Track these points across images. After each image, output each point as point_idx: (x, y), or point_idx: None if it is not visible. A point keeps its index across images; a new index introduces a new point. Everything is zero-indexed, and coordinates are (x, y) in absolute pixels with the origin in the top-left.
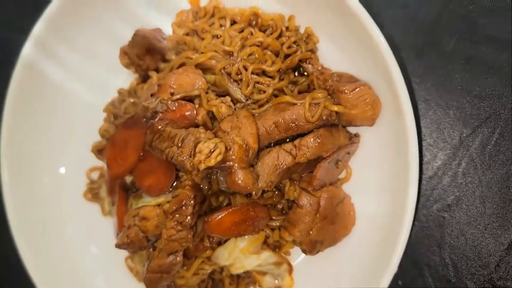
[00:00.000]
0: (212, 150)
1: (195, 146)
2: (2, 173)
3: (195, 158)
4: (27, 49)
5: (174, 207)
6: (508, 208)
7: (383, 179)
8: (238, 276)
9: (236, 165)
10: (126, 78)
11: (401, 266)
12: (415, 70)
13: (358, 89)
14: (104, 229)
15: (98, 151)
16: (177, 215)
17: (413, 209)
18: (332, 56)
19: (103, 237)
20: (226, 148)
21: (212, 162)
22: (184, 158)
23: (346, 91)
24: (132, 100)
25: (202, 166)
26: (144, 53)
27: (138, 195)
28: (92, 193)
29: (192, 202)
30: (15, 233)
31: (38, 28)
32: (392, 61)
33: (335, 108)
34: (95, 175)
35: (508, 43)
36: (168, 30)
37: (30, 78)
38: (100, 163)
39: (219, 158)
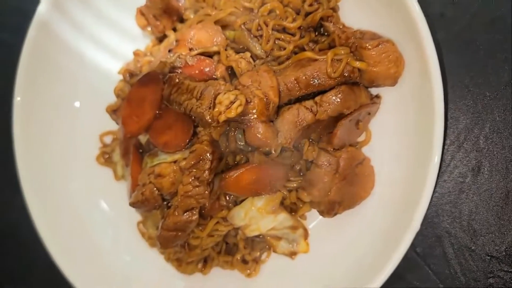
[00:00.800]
0: (232, 102)
1: (215, 98)
2: (15, 128)
3: (215, 109)
4: (42, 8)
5: (192, 162)
6: None
7: (403, 143)
8: (253, 240)
9: (256, 118)
10: (142, 43)
11: (419, 233)
12: (439, 33)
13: (381, 45)
14: (117, 193)
15: (113, 111)
16: (194, 170)
17: (436, 172)
18: (354, 15)
19: (115, 200)
20: (246, 100)
21: (232, 113)
22: (204, 109)
23: (369, 47)
24: (148, 58)
25: (222, 118)
26: (161, 13)
27: (153, 153)
28: (105, 157)
29: (210, 156)
30: (25, 186)
31: None
32: (420, 15)
33: (358, 64)
34: (108, 139)
35: None
36: None
37: (44, 39)
38: (114, 127)
39: (240, 109)
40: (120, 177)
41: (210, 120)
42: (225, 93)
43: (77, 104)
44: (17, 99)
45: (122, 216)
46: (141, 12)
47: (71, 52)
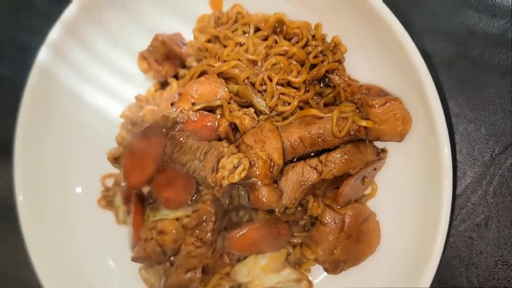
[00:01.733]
0: (236, 166)
1: (218, 161)
2: (16, 175)
3: (218, 174)
4: (43, 54)
5: (194, 223)
6: None
7: (411, 197)
8: None
9: (260, 181)
10: (143, 86)
11: None
12: (446, 82)
13: (388, 103)
14: (119, 239)
15: (114, 159)
16: (197, 231)
17: (445, 232)
18: (360, 67)
19: (118, 247)
20: (250, 163)
21: (236, 178)
22: (207, 173)
23: (376, 106)
24: (150, 107)
25: (225, 182)
26: (163, 59)
27: (156, 207)
28: (106, 201)
29: (213, 218)
30: (28, 242)
31: (55, 32)
32: (425, 73)
33: (364, 123)
34: (109, 182)
35: None
36: (188, 36)
37: (45, 84)
38: (115, 170)
39: (243, 174)
40: (122, 221)
41: (213, 185)
42: (228, 157)
43: (78, 147)
44: (18, 148)
45: (125, 262)
46: (143, 57)
47: (72, 96)
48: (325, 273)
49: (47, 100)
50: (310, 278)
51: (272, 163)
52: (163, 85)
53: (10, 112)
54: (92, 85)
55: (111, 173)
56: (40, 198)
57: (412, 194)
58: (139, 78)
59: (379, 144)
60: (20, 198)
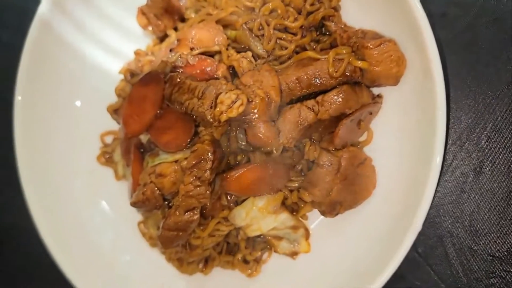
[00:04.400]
0: (234, 101)
1: (217, 97)
2: (16, 128)
3: (216, 109)
4: (43, 8)
5: (193, 162)
6: None
7: (405, 142)
8: (254, 240)
9: (257, 117)
10: (143, 42)
11: (421, 233)
12: (439, 32)
13: (383, 44)
14: (117, 193)
15: (114, 111)
16: (195, 170)
17: (438, 172)
18: (356, 15)
19: (116, 201)
20: (248, 100)
21: (234, 113)
22: (205, 109)
23: (371, 47)
24: (149, 58)
25: (223, 117)
26: (162, 13)
27: (155, 153)
28: (106, 157)
29: (211, 156)
30: (25, 184)
31: None
32: (422, 16)
33: (359, 63)
34: (109, 139)
35: None
36: None
37: (45, 39)
38: (115, 127)
39: (241, 109)
40: (121, 177)
41: (211, 120)
42: (226, 93)
43: (78, 103)
44: (18, 98)
45: (123, 216)
46: (142, 12)
47: (72, 51)
48: (321, 219)
49: (47, 55)
50: (307, 225)
51: (269, 100)
52: (162, 40)
53: (11, 74)
54: (92, 41)
55: (110, 130)
56: (39, 150)
57: (408, 139)
58: (138, 33)
59: (375, 92)
60: (19, 151)
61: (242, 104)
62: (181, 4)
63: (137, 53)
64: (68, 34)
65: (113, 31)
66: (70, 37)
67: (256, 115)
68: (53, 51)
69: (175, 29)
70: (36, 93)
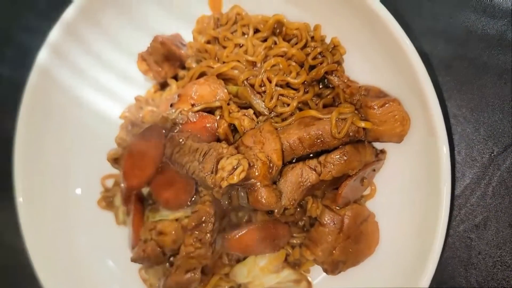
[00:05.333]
0: (235, 167)
1: (218, 162)
2: (16, 179)
3: (217, 175)
4: (43, 54)
5: (194, 223)
6: None
7: (409, 197)
8: None
9: (259, 182)
10: (143, 86)
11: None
12: (445, 83)
13: (387, 105)
14: (119, 239)
15: (114, 160)
16: (196, 232)
17: (444, 232)
18: (359, 68)
19: (118, 248)
20: (249, 164)
21: (235, 179)
22: (206, 174)
23: (375, 107)
24: (150, 108)
25: (224, 184)
26: (163, 60)
27: (155, 208)
28: (107, 201)
29: (212, 219)
30: (29, 244)
31: (55, 33)
32: (424, 74)
33: (363, 124)
34: (109, 183)
35: None
36: (188, 37)
37: (44, 85)
38: (115, 171)
39: (242, 175)
40: (122, 222)
41: (212, 186)
42: (227, 158)
43: (78, 148)
44: (18, 147)
45: (124, 262)
46: (142, 58)
47: (72, 96)
48: (324, 273)
49: (47, 101)
50: (309, 278)
51: (271, 164)
52: (163, 86)
53: (10, 112)
54: (92, 86)
55: (111, 174)
56: (40, 200)
57: (411, 195)
58: (138, 79)
59: (378, 145)
60: (20, 200)
61: (243, 171)
62: (182, 52)
63: (137, 99)
64: (67, 79)
65: (113, 76)
66: (69, 82)
67: (258, 180)
68: (53, 96)
69: (176, 76)
70: (35, 137)
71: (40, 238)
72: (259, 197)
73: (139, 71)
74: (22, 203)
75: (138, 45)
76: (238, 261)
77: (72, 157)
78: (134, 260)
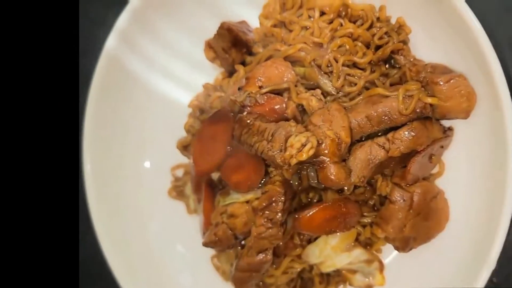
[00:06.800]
0: (303, 144)
1: (286, 140)
2: (85, 169)
3: (286, 153)
4: (111, 42)
5: (264, 204)
6: None
7: (477, 174)
8: (328, 274)
9: (328, 159)
10: (211, 73)
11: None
12: (510, 59)
13: (453, 80)
14: (190, 228)
15: (184, 147)
16: (267, 212)
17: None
18: (424, 47)
19: (189, 236)
20: (318, 142)
21: (304, 156)
22: (275, 152)
23: (441, 83)
24: (218, 94)
25: (293, 161)
26: (230, 46)
27: (226, 191)
28: (177, 191)
29: (282, 198)
30: (99, 233)
31: (122, 20)
32: (490, 51)
33: (429, 100)
34: (179, 173)
35: None
36: (254, 23)
37: (113, 73)
38: (185, 160)
39: (311, 152)
40: (193, 210)
41: (281, 164)
42: (296, 136)
43: (147, 137)
44: (86, 134)
45: (197, 250)
46: (209, 45)
47: (140, 85)
48: (395, 252)
49: (115, 88)
50: (381, 258)
51: (339, 141)
52: (230, 73)
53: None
54: (160, 74)
55: (180, 164)
56: (112, 193)
57: (479, 170)
58: (206, 67)
59: (446, 124)
60: (92, 199)
61: (312, 147)
62: (249, 38)
63: (205, 86)
64: (135, 67)
65: (181, 64)
66: (138, 70)
67: (327, 157)
68: (121, 84)
69: (243, 62)
70: (104, 126)
71: (111, 225)
72: (329, 174)
73: (206, 59)
74: (94, 202)
75: (205, 32)
76: (309, 242)
77: (142, 148)
78: (205, 244)
